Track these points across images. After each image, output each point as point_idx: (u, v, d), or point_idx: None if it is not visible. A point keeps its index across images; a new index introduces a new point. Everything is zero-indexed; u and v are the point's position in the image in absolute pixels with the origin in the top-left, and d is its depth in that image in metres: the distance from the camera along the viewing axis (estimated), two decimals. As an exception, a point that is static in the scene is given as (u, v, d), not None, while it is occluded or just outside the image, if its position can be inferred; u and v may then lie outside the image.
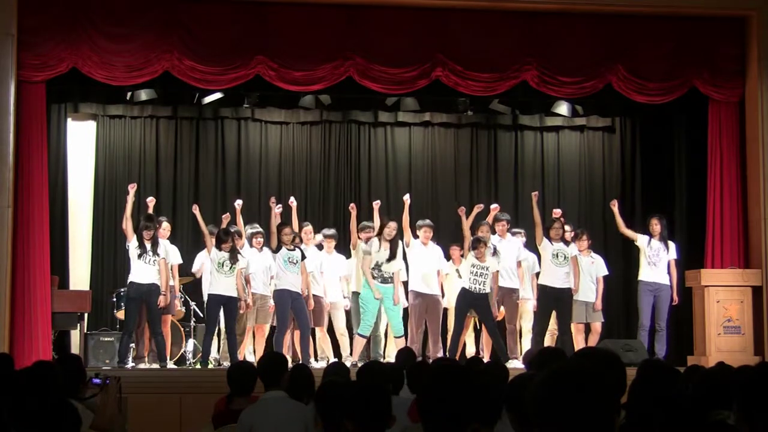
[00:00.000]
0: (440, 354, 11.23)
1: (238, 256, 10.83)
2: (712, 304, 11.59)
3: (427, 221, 11.74)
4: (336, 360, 10.65)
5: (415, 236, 11.63)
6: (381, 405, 3.76)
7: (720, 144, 12.06)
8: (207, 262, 11.22)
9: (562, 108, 13.27)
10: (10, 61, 10.65)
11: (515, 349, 11.43)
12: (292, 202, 11.78)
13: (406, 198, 11.69)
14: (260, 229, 11.38)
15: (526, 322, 11.77)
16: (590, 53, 11.80)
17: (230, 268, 10.74)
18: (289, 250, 10.90)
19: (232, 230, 11.15)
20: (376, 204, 11.83)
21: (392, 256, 11.13)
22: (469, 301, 11.09)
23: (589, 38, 11.81)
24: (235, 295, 10.78)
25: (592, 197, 13.87)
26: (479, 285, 11.00)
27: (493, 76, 11.75)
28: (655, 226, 11.70)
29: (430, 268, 11.55)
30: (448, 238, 12.42)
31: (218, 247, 10.77)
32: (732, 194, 11.99)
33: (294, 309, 10.92)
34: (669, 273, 11.65)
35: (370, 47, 11.52)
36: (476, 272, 11.02)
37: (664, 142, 13.38)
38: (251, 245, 11.28)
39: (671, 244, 11.77)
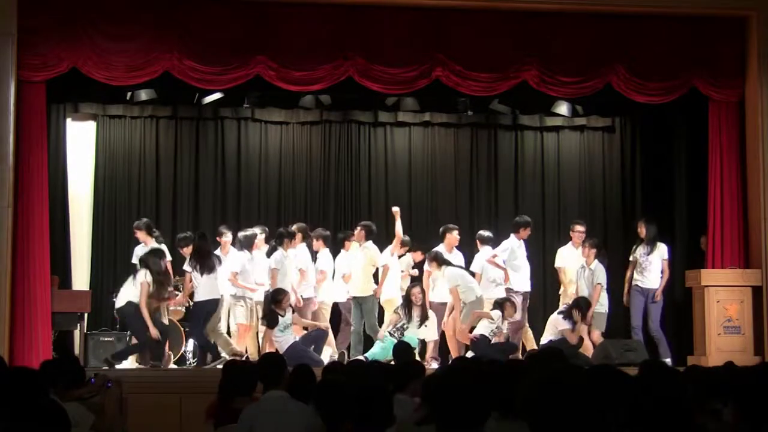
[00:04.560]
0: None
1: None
2: (712, 304, 11.57)
3: (454, 225, 11.98)
4: (335, 360, 10.63)
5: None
6: (381, 405, 3.75)
7: (720, 144, 12.04)
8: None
9: (562, 108, 13.27)
10: (10, 61, 10.63)
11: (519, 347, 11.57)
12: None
13: (396, 210, 11.85)
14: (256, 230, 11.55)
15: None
16: (590, 53, 11.78)
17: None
18: (282, 316, 10.78)
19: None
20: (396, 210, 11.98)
21: (422, 324, 10.96)
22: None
23: (589, 38, 11.78)
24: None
25: (592, 197, 13.86)
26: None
27: (493, 76, 11.73)
28: (641, 229, 11.70)
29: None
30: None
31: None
32: (732, 194, 11.96)
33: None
34: (661, 274, 11.60)
35: (370, 47, 11.50)
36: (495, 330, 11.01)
37: (664, 141, 13.37)
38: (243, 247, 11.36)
39: (661, 246, 11.71)
